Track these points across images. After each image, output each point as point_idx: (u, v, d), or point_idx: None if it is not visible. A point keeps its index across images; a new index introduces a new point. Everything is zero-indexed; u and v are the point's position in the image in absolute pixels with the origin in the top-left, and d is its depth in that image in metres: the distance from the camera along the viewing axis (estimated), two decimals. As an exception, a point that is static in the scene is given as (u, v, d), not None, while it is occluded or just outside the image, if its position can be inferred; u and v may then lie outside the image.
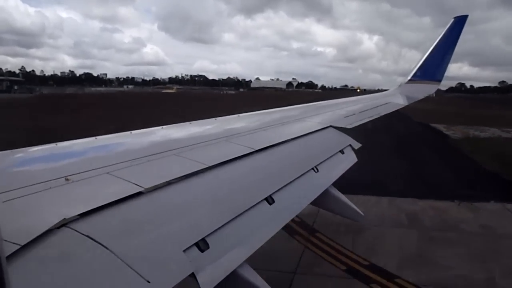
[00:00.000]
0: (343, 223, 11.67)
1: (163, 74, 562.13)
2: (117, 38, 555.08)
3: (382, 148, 23.34)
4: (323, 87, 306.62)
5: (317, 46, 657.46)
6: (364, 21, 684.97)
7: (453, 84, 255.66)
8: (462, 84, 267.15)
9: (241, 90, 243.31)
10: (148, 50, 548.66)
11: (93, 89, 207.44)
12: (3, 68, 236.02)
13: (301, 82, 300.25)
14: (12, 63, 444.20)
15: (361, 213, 4.20)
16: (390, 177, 17.10)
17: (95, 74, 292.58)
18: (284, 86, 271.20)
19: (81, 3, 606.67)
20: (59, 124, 31.00)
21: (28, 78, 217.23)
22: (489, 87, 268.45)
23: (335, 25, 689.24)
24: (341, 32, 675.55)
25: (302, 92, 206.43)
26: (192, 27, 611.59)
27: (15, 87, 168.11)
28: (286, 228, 11.51)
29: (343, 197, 4.09)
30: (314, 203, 3.51)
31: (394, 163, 20.33)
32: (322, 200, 3.68)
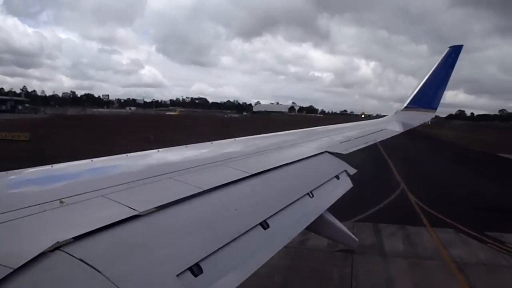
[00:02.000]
0: None
1: (160, 96, 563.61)
2: (115, 60, 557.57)
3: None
4: (323, 111, 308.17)
5: (314, 71, 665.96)
6: (361, 47, 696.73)
7: (453, 111, 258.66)
8: (462, 112, 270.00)
9: (245, 113, 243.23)
10: (146, 72, 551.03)
11: (95, 110, 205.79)
12: (4, 88, 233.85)
13: (302, 107, 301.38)
14: (10, 83, 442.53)
15: (356, 239, 4.24)
16: None
17: (94, 95, 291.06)
18: (286, 110, 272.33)
19: (79, 24, 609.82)
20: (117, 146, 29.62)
21: (29, 98, 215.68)
22: (489, 115, 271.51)
23: (332, 51, 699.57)
24: (338, 57, 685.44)
25: (307, 117, 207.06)
26: (190, 50, 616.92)
27: (19, 107, 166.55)
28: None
29: (338, 222, 4.09)
30: (309, 228, 3.50)
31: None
32: (317, 226, 3.69)
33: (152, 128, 66.97)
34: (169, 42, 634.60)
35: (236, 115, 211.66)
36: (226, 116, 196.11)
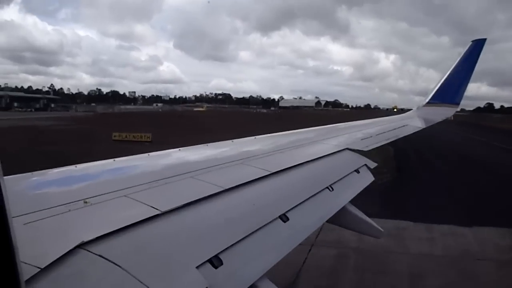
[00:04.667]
0: None
1: (179, 92, 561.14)
2: (134, 56, 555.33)
3: None
4: (346, 105, 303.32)
5: (333, 65, 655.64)
6: (381, 40, 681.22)
7: (480, 104, 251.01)
8: (490, 104, 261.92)
9: (272, 109, 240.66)
10: (164, 68, 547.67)
11: (122, 107, 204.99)
12: (28, 86, 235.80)
13: (327, 101, 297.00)
14: (32, 81, 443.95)
15: (381, 229, 4.19)
16: None
17: (119, 92, 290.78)
18: (313, 105, 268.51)
19: (97, 21, 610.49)
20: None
21: (57, 96, 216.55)
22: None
23: (351, 44, 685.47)
24: (358, 50, 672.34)
25: (338, 112, 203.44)
26: (208, 45, 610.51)
27: (52, 105, 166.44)
28: None
29: (361, 214, 4.08)
30: (331, 221, 3.51)
31: None
32: (340, 218, 3.71)
33: (220, 124, 64.23)
34: (186, 37, 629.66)
35: (264, 110, 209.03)
36: (255, 111, 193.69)
